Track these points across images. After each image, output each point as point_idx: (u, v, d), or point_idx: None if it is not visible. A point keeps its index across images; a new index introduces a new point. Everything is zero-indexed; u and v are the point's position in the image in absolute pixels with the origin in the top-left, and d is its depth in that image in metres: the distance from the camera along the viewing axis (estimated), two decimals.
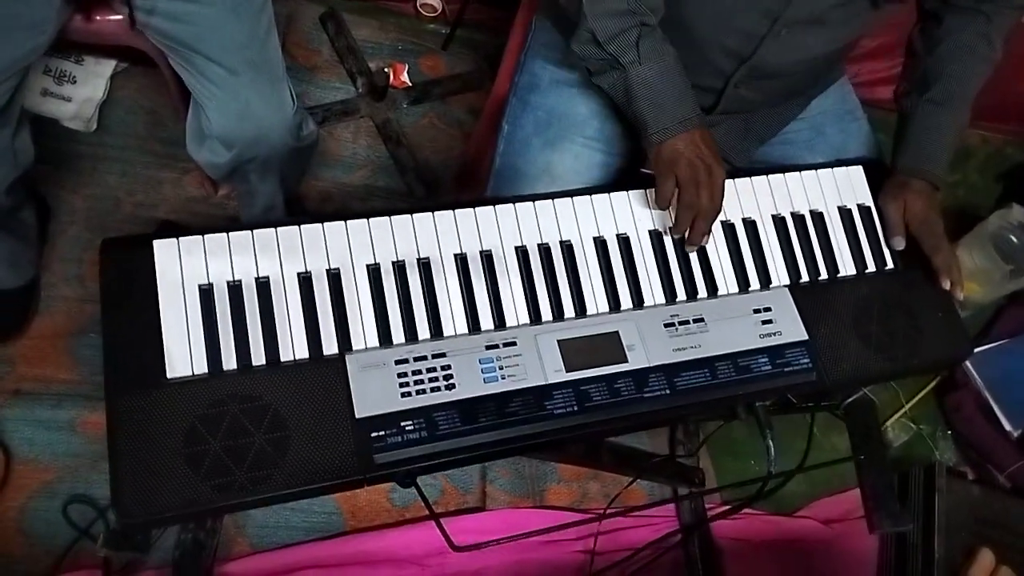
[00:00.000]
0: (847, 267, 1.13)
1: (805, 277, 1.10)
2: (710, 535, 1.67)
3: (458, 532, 1.53)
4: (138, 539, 0.88)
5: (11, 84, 1.13)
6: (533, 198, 1.05)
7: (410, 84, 1.99)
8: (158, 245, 0.92)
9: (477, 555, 1.54)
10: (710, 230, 1.02)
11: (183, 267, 0.92)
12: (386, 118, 1.92)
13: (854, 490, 1.29)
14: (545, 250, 1.03)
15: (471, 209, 1.03)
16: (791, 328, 1.06)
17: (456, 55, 2.10)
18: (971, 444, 1.93)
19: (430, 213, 1.02)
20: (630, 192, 1.08)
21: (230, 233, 0.94)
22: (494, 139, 1.26)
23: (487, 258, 1.01)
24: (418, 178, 1.88)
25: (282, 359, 0.91)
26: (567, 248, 1.04)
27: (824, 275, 1.11)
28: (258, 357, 0.90)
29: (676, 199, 1.01)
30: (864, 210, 1.16)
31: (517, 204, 1.05)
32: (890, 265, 1.14)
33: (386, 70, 1.95)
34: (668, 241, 1.07)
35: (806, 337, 1.05)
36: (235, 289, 0.92)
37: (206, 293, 0.91)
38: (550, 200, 1.06)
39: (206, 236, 0.94)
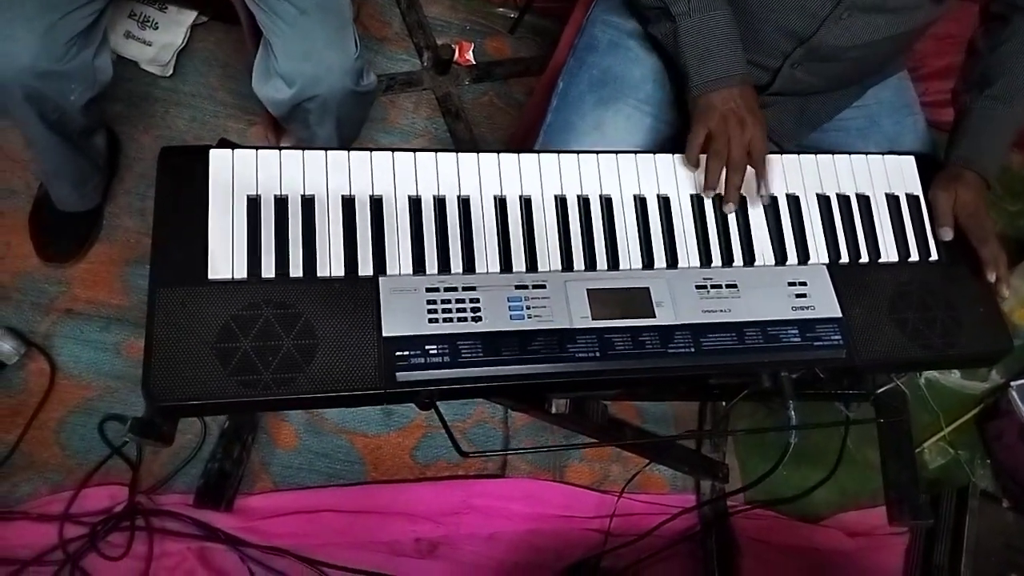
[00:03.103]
0: (889, 253, 1.11)
1: (845, 258, 1.09)
2: (729, 531, 1.65)
3: (476, 495, 1.58)
4: (163, 429, 0.91)
5: (98, 6, 1.20)
6: (577, 152, 1.07)
7: (474, 63, 2.04)
8: (214, 154, 0.96)
9: (491, 520, 1.55)
10: (766, 184, 1.02)
11: (235, 177, 0.95)
12: (447, 92, 1.97)
13: (883, 507, 1.27)
14: (584, 202, 1.04)
15: (515, 155, 1.05)
16: (825, 304, 1.05)
17: (521, 39, 2.13)
18: (1010, 473, 1.87)
19: (475, 155, 1.04)
20: (675, 155, 1.08)
21: (282, 151, 0.98)
22: (548, 98, 1.28)
23: (526, 203, 1.02)
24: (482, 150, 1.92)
25: (319, 274, 0.93)
26: (606, 202, 1.05)
27: (865, 258, 1.10)
28: (296, 269, 0.93)
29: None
30: (912, 199, 1.15)
31: (561, 155, 1.06)
32: (934, 256, 1.12)
33: (452, 46, 1.99)
34: (709, 206, 1.06)
35: (839, 315, 1.04)
36: (281, 202, 0.95)
37: (253, 203, 0.94)
38: (594, 155, 1.07)
39: (259, 151, 0.97)
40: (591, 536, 1.58)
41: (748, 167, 1.03)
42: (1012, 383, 1.86)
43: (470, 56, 2.03)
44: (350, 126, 1.43)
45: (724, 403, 1.65)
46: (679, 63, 1.03)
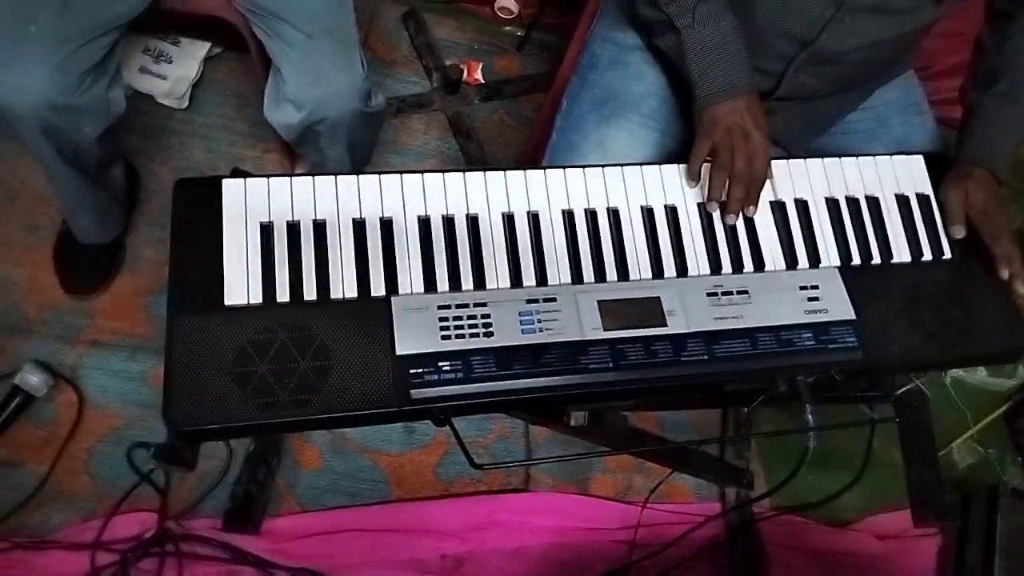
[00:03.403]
0: (902, 253, 1.10)
1: (856, 260, 1.08)
2: (756, 538, 1.64)
3: (500, 510, 1.58)
4: (186, 455, 0.93)
5: (111, 39, 1.23)
6: (584, 166, 1.08)
7: (483, 81, 2.06)
8: (227, 184, 0.98)
9: (516, 535, 1.55)
10: (755, 201, 1.02)
11: (247, 205, 0.97)
12: (458, 112, 1.99)
13: None
14: (592, 215, 1.05)
15: (522, 172, 1.06)
16: (838, 307, 1.04)
17: (530, 57, 2.16)
18: None
19: (482, 173, 1.05)
20: (681, 166, 1.09)
21: (293, 178, 1.00)
22: (553, 117, 1.29)
23: (534, 218, 1.03)
24: (493, 169, 1.94)
25: (332, 296, 0.95)
26: (614, 214, 1.05)
27: (877, 259, 1.09)
28: (310, 292, 0.94)
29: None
30: (923, 199, 1.14)
31: (567, 171, 1.07)
32: (947, 255, 1.12)
33: (461, 66, 2.02)
34: (716, 214, 1.07)
35: (853, 317, 1.03)
36: (293, 228, 0.97)
37: (266, 230, 0.96)
38: (600, 169, 1.08)
39: (271, 179, 0.99)
40: (617, 548, 1.58)
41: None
42: None
43: (479, 75, 2.06)
44: (361, 148, 1.45)
45: (744, 409, 1.65)
46: (685, 75, 1.04)
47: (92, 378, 1.57)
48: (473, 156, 1.95)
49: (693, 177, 1.04)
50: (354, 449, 1.61)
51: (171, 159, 1.80)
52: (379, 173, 1.02)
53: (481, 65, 2.08)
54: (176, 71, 1.81)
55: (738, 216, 1.04)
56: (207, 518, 1.49)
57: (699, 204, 1.07)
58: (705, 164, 1.05)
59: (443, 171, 1.05)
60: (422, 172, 1.04)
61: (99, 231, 1.58)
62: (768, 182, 1.06)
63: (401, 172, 1.03)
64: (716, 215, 1.06)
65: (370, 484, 1.59)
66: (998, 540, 1.52)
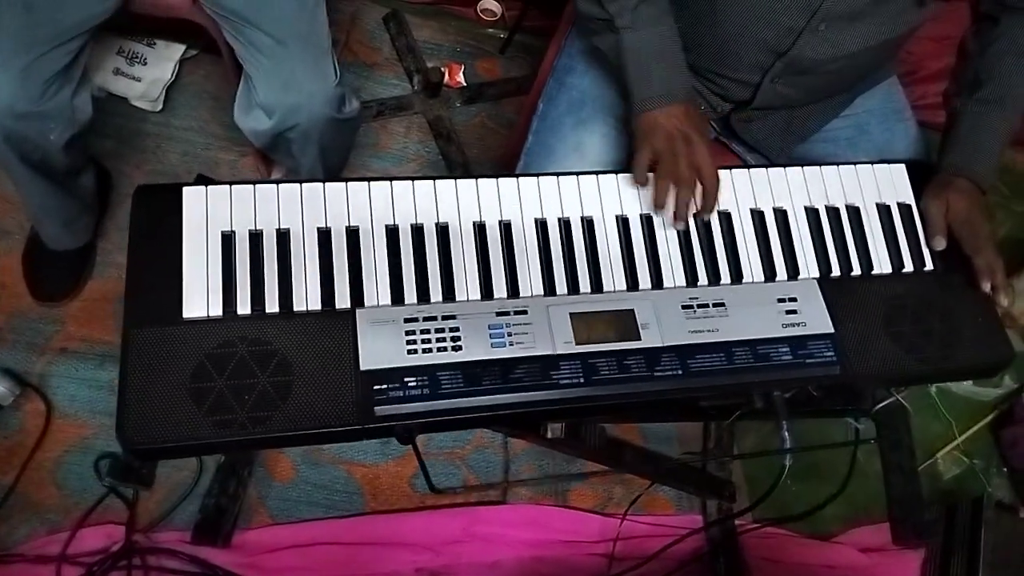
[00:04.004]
0: (882, 264, 1.08)
1: (836, 271, 1.06)
2: (738, 551, 1.61)
3: (477, 523, 1.55)
4: (142, 472, 0.90)
5: (76, 45, 1.20)
6: (557, 174, 1.05)
7: (465, 84, 2.03)
8: (187, 192, 0.95)
9: (493, 548, 1.52)
10: (711, 207, 1.00)
11: (208, 213, 0.94)
12: (438, 115, 1.96)
13: None
14: (565, 224, 1.02)
15: (494, 180, 1.03)
16: (817, 320, 1.02)
17: (513, 59, 2.13)
18: None
19: (452, 181, 1.02)
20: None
21: (257, 186, 0.97)
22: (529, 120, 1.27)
23: (506, 228, 1.01)
24: (467, 175, 1.91)
25: (295, 308, 0.92)
26: (588, 224, 1.03)
27: (857, 270, 1.07)
28: (272, 304, 0.92)
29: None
30: (904, 208, 1.12)
31: (540, 178, 1.05)
32: (929, 266, 1.09)
33: (442, 68, 1.99)
34: (693, 225, 1.04)
35: (832, 330, 1.01)
36: (255, 237, 0.94)
37: (227, 239, 0.93)
38: (574, 176, 1.05)
39: (233, 187, 0.96)
40: (596, 561, 1.55)
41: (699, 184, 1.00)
42: None
43: (461, 78, 2.03)
44: (335, 154, 1.42)
45: (721, 423, 1.63)
46: (621, 78, 1.01)
47: (60, 386, 1.54)
48: (454, 160, 1.92)
49: (641, 184, 1.01)
50: (328, 460, 1.58)
51: (145, 163, 1.76)
52: (346, 181, 1.00)
53: (463, 67, 2.04)
54: (151, 73, 1.77)
55: (687, 222, 1.01)
56: (176, 531, 1.46)
57: (676, 214, 1.04)
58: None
59: (412, 178, 1.02)
60: (390, 179, 1.01)
61: (69, 238, 1.54)
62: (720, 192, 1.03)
63: (368, 179, 1.00)
64: (693, 225, 1.03)
65: (344, 496, 1.56)
66: (982, 552, 1.50)
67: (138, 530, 1.45)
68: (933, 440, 1.88)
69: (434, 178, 1.02)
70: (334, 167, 1.46)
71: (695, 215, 1.02)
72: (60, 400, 1.53)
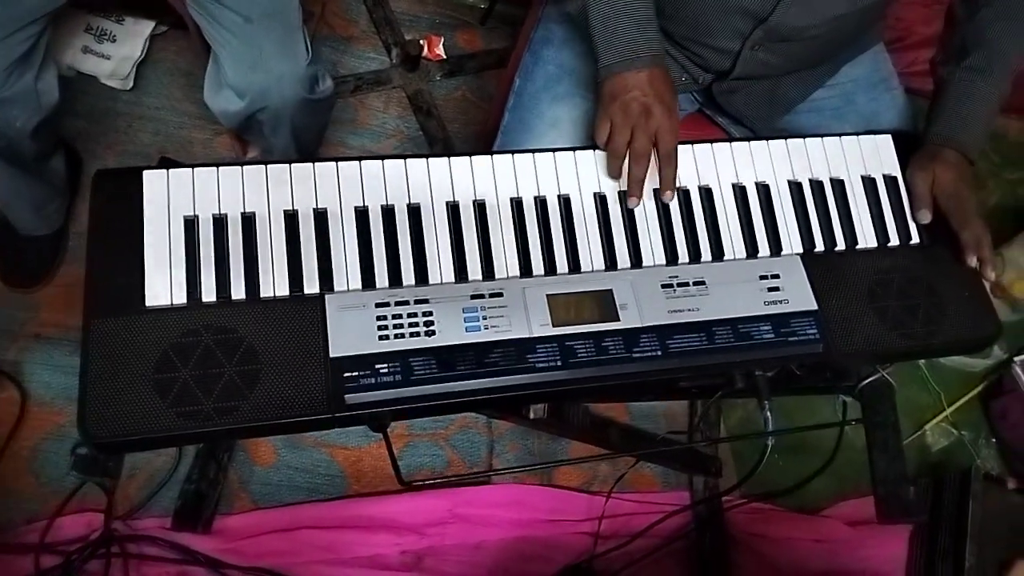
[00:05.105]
0: (867, 239, 1.06)
1: (820, 246, 1.04)
2: (724, 526, 1.61)
3: (461, 504, 1.54)
4: (108, 464, 0.88)
5: (36, 29, 1.15)
6: (533, 151, 1.02)
7: (444, 57, 1.98)
8: (148, 176, 0.92)
9: (478, 529, 1.51)
10: (670, 185, 0.97)
11: (170, 198, 0.91)
12: (418, 89, 1.92)
13: None
14: (542, 203, 0.99)
15: (467, 158, 1.00)
16: (799, 297, 1.00)
17: (494, 30, 2.07)
18: (1016, 452, 1.82)
19: (424, 160, 0.99)
20: None
21: (220, 168, 0.94)
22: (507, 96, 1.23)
23: (479, 207, 0.98)
24: (447, 151, 1.87)
25: (261, 295, 0.89)
26: (565, 202, 1.00)
27: (841, 245, 1.04)
28: (238, 291, 0.89)
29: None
30: (890, 180, 1.09)
31: (515, 156, 1.01)
32: (915, 240, 1.07)
33: (421, 41, 1.94)
34: (675, 202, 1.01)
35: (815, 307, 0.99)
36: (219, 222, 0.91)
37: (190, 224, 0.90)
38: (551, 153, 1.02)
39: (196, 169, 0.93)
40: (581, 540, 1.55)
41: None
42: (1016, 359, 1.79)
43: (440, 50, 1.98)
44: (308, 134, 1.38)
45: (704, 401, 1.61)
46: (591, 44, 0.98)
47: (35, 374, 1.51)
48: (434, 135, 1.88)
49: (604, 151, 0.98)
50: (310, 444, 1.56)
51: (117, 143, 1.72)
52: (313, 161, 0.96)
53: (442, 40, 1.99)
54: (120, 51, 1.72)
55: (641, 199, 0.98)
56: (156, 518, 1.44)
57: (655, 190, 1.01)
58: None
59: (382, 157, 0.99)
60: (359, 159, 0.98)
61: (40, 223, 1.51)
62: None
63: (337, 160, 0.97)
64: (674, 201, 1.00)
65: (327, 479, 1.54)
66: (969, 525, 1.50)
67: (118, 517, 1.43)
68: (922, 411, 1.88)
69: (405, 157, 0.99)
70: (308, 147, 1.43)
71: (656, 195, 0.98)
72: (35, 387, 1.50)
